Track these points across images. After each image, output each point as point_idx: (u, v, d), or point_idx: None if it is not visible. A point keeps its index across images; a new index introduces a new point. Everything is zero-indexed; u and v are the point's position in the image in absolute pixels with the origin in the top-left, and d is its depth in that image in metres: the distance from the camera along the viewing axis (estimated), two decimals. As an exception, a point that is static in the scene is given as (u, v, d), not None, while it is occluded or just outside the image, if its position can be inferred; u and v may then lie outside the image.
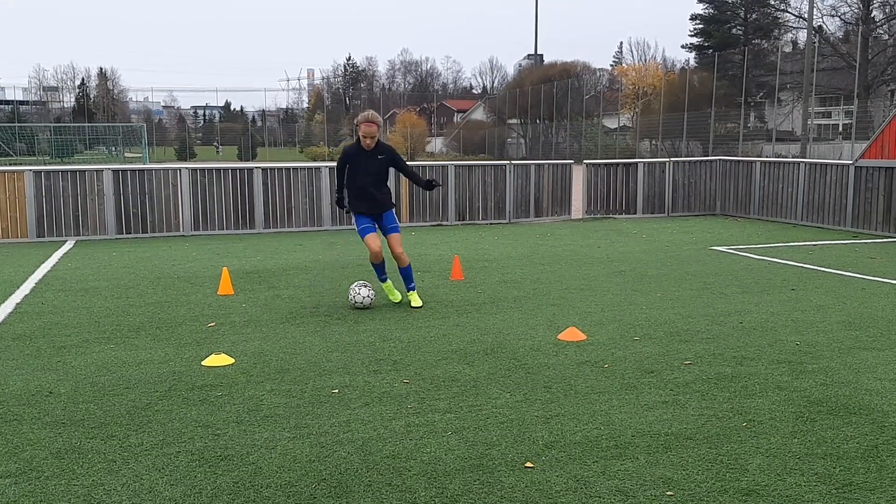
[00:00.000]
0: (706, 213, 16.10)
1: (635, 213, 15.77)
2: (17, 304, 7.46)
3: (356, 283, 7.28)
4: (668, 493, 3.45)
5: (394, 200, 7.58)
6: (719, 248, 11.06)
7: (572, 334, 6.07)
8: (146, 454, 3.91)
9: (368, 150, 7.11)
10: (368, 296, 7.13)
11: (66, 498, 3.45)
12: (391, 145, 7.53)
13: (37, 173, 12.42)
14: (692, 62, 51.69)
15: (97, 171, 12.76)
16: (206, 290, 8.13)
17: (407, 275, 7.40)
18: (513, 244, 11.73)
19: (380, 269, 7.41)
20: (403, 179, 14.09)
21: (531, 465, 3.74)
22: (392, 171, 7.51)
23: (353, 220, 7.41)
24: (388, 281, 7.51)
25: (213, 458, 3.86)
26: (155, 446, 4.01)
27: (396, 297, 7.45)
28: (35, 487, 3.55)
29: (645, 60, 65.23)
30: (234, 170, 13.52)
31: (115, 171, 12.87)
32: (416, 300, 7.34)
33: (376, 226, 7.34)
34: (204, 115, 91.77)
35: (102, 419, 4.39)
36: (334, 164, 7.49)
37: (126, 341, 6.05)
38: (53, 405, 4.61)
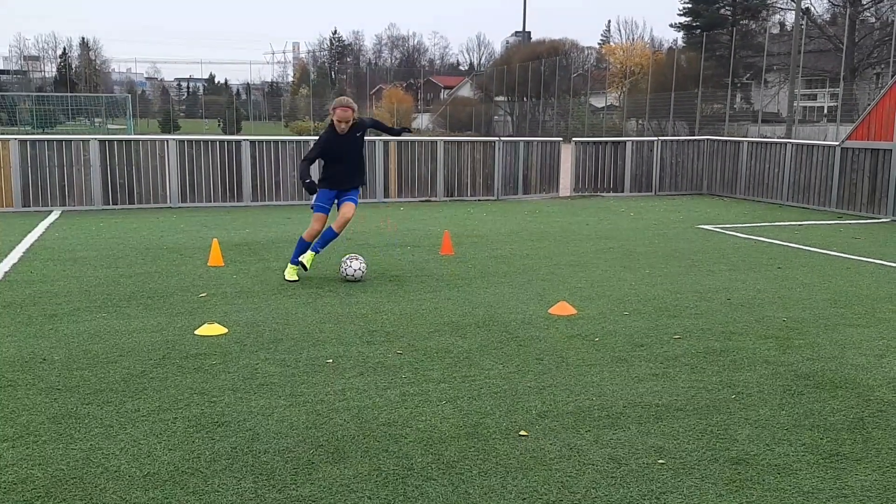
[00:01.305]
0: (693, 193, 16.19)
1: (623, 191, 15.84)
2: (6, 272, 7.42)
3: (347, 256, 7.30)
4: (660, 461, 3.52)
5: (365, 180, 7.74)
6: (706, 227, 11.15)
7: (563, 308, 6.13)
8: (143, 420, 3.94)
9: (343, 134, 7.17)
10: (360, 269, 7.15)
11: (64, 461, 3.47)
12: (362, 118, 7.43)
13: (22, 142, 12.29)
14: (680, 42, 51.72)
15: (83, 140, 12.63)
16: (196, 261, 8.11)
17: (326, 239, 7.27)
18: (502, 220, 11.77)
19: (301, 248, 7.25)
20: (392, 156, 14.07)
21: (525, 434, 3.79)
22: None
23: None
24: (296, 266, 7.30)
25: (210, 424, 3.89)
26: (151, 412, 4.03)
27: (292, 276, 7.23)
28: (33, 451, 3.57)
29: (633, 39, 65.11)
30: (221, 142, 13.43)
31: (102, 142, 12.75)
32: (306, 262, 7.18)
33: (333, 205, 7.33)
34: (188, 88, 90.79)
35: (97, 386, 4.40)
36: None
37: (118, 310, 6.05)
38: (48, 371, 4.62)
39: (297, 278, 7.24)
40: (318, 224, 7.26)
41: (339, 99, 7.24)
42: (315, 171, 8.28)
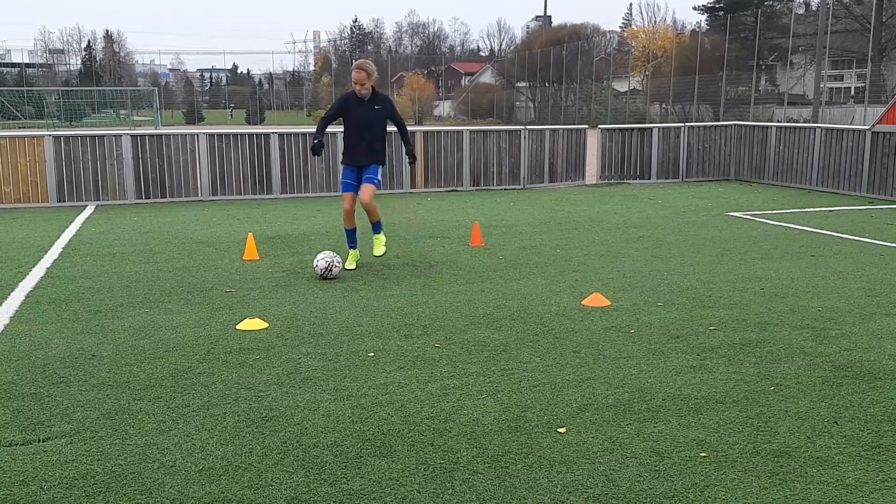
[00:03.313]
0: (720, 179, 16.10)
1: (649, 178, 15.79)
2: (48, 268, 7.58)
3: (321, 255, 7.13)
4: (702, 454, 3.57)
5: (384, 158, 7.51)
6: (735, 214, 11.11)
7: (597, 300, 6.17)
8: (194, 415, 4.05)
9: (364, 98, 7.15)
10: (327, 263, 7.01)
11: (122, 456, 3.59)
12: (390, 98, 7.49)
13: (56, 138, 12.49)
14: (703, 24, 51.13)
15: (116, 136, 12.83)
16: (232, 255, 8.24)
17: (376, 228, 7.45)
18: (529, 210, 11.80)
19: (351, 234, 7.47)
20: (418, 146, 14.12)
21: (564, 431, 3.85)
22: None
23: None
24: (356, 250, 7.51)
25: (258, 419, 4.00)
26: (201, 408, 4.14)
27: (351, 264, 7.40)
28: (91, 447, 3.69)
29: (655, 22, 64.47)
30: (250, 135, 13.56)
31: (134, 137, 12.94)
32: (379, 247, 7.43)
33: (358, 184, 7.31)
34: (211, 78, 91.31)
35: (147, 381, 4.52)
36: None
37: (160, 305, 6.18)
38: (98, 367, 4.75)
39: (354, 266, 7.40)
40: (347, 203, 7.30)
41: (357, 61, 7.28)
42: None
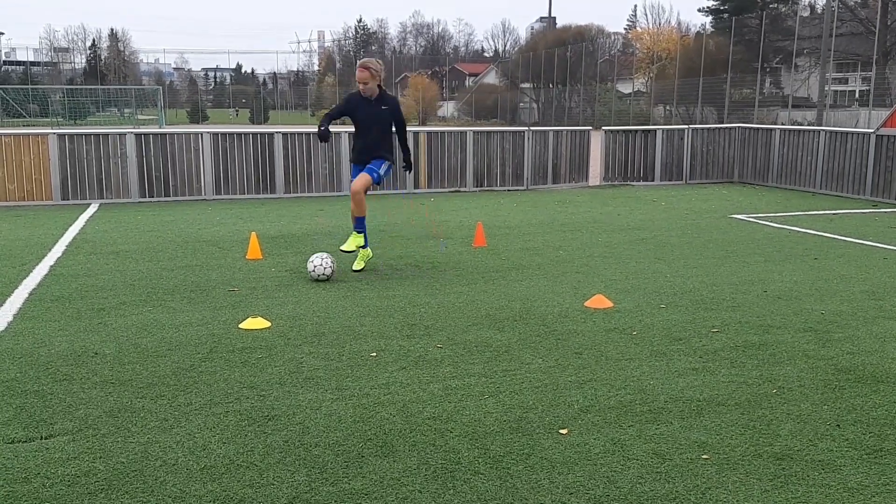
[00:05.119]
0: (724, 181, 16.09)
1: (653, 180, 15.78)
2: (52, 266, 7.60)
3: (315, 256, 7.08)
4: (704, 456, 3.56)
5: (392, 158, 7.45)
6: (739, 217, 11.10)
7: (599, 301, 6.17)
8: (196, 414, 4.05)
9: (370, 97, 7.16)
10: (323, 265, 6.95)
11: (124, 454, 3.59)
12: (397, 100, 7.50)
13: (60, 137, 12.52)
14: (708, 26, 51.05)
15: (120, 134, 12.85)
16: (235, 254, 8.25)
17: (358, 225, 7.32)
18: (532, 211, 11.80)
19: (359, 221, 7.27)
20: (422, 147, 14.13)
21: (565, 432, 3.85)
22: (411, 146, 7.52)
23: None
24: (362, 236, 7.31)
25: (260, 418, 4.00)
26: (203, 406, 4.15)
27: (349, 246, 7.29)
28: (93, 444, 3.70)
29: (659, 24, 64.45)
30: (254, 134, 13.58)
31: (138, 135, 12.96)
32: (350, 245, 7.28)
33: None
34: (215, 78, 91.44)
35: (149, 380, 4.53)
36: (352, 130, 7.51)
37: (162, 304, 6.19)
38: (101, 365, 4.76)
39: (353, 249, 7.30)
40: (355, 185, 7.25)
41: (362, 60, 7.27)
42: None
